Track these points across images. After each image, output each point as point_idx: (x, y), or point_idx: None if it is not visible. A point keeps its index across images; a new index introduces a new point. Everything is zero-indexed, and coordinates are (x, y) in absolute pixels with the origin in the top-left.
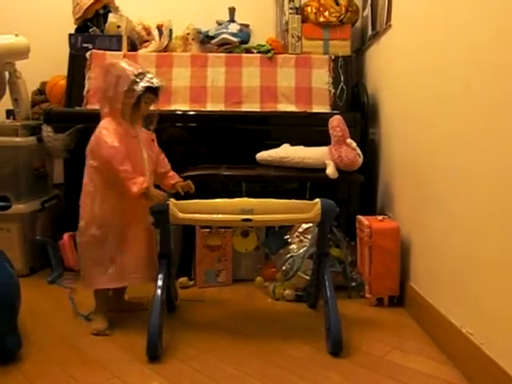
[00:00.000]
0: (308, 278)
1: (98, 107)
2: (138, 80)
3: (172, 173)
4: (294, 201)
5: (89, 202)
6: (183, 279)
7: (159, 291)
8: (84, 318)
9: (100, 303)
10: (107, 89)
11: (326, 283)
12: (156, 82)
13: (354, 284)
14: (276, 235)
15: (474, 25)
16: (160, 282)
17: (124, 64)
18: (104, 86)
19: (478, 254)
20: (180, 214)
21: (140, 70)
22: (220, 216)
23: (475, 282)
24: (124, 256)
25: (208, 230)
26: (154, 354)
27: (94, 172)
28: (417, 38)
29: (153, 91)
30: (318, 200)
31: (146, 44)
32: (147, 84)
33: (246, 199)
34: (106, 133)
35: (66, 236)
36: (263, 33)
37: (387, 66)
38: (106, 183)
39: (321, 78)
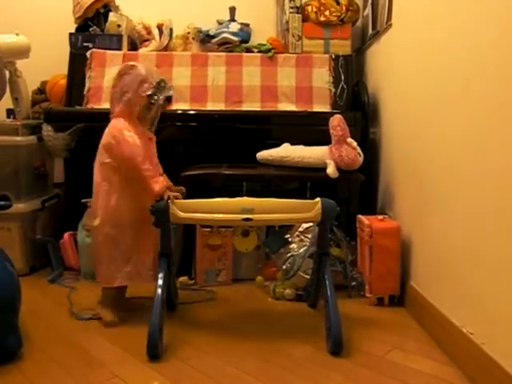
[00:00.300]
0: (308, 277)
1: (97, 106)
2: (160, 88)
3: (164, 176)
4: (294, 200)
5: (103, 200)
6: (183, 278)
7: (160, 290)
8: (86, 319)
9: (106, 297)
10: (125, 90)
11: (327, 283)
12: (171, 89)
13: (354, 283)
14: (276, 234)
15: (474, 24)
16: (160, 281)
17: (145, 69)
18: (120, 86)
19: (479, 254)
20: (181, 213)
21: (161, 78)
22: (220, 215)
23: (476, 282)
24: (140, 253)
25: (209, 229)
26: (155, 353)
27: (110, 170)
28: (417, 38)
29: (169, 99)
30: (318, 199)
31: (147, 43)
32: (169, 94)
33: (246, 198)
34: (127, 132)
35: (66, 235)
36: (264, 32)
37: (388, 66)
38: (123, 182)
39: (321, 77)
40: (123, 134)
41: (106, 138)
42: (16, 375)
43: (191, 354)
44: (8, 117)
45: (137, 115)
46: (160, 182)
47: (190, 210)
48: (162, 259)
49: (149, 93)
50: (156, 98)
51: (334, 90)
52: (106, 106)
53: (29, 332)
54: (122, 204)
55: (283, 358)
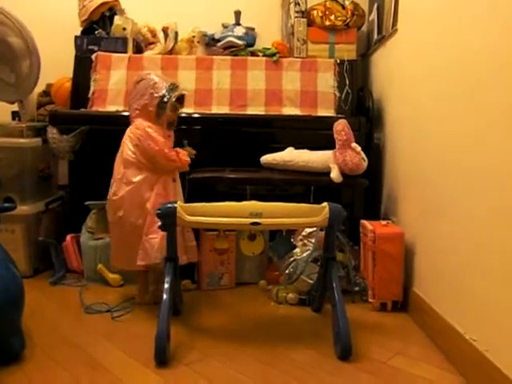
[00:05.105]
0: (311, 281)
1: (102, 109)
2: (171, 89)
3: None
4: (302, 204)
5: (130, 192)
6: (186, 282)
7: (166, 295)
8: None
9: (141, 282)
10: (142, 94)
11: (334, 287)
12: (184, 91)
13: (357, 288)
14: (283, 239)
15: (480, 28)
16: (167, 286)
17: (158, 75)
18: (136, 91)
19: (483, 260)
20: (188, 216)
21: (172, 81)
22: (228, 219)
23: (479, 288)
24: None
25: (215, 233)
26: (162, 359)
27: (134, 165)
28: (423, 43)
29: (180, 100)
30: (325, 204)
31: (152, 46)
32: (181, 93)
33: (254, 202)
34: (150, 129)
35: (68, 237)
36: (269, 36)
37: (393, 71)
38: (151, 173)
39: (326, 81)
40: (148, 131)
41: (131, 136)
42: (19, 377)
43: (194, 358)
44: (13, 119)
45: (153, 115)
46: (182, 153)
47: (198, 213)
48: (169, 264)
49: (161, 94)
50: (168, 97)
51: (338, 94)
52: (110, 108)
53: (32, 334)
54: (146, 196)
55: (286, 362)
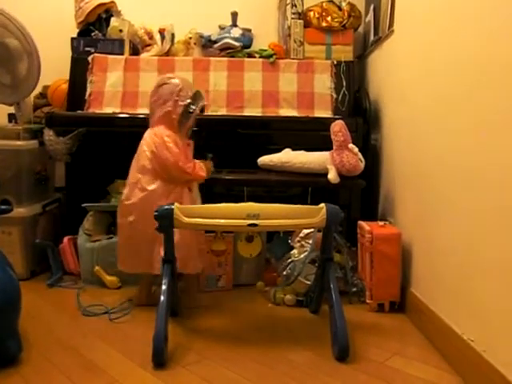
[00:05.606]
0: (309, 283)
1: (98, 111)
2: (196, 98)
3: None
4: (299, 206)
5: (143, 199)
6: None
7: (164, 297)
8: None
9: (144, 284)
10: (166, 99)
11: (332, 288)
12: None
13: (354, 289)
14: (281, 241)
15: (477, 29)
16: (165, 287)
17: (181, 80)
18: (159, 95)
19: (480, 261)
20: (185, 218)
21: (196, 90)
22: (226, 221)
23: (477, 289)
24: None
25: (212, 234)
26: (160, 361)
27: (153, 170)
28: (419, 44)
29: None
30: (323, 205)
31: (148, 48)
32: (204, 103)
33: (251, 204)
34: (168, 139)
35: (66, 239)
36: (265, 37)
37: (390, 72)
38: (166, 182)
39: (323, 83)
40: (165, 141)
41: (149, 144)
42: (16, 380)
43: (192, 360)
44: (10, 121)
45: (176, 123)
46: (200, 167)
47: (195, 215)
48: (166, 265)
49: (187, 102)
50: (194, 107)
51: (335, 95)
52: (107, 110)
53: (29, 336)
54: (157, 203)
55: (284, 363)
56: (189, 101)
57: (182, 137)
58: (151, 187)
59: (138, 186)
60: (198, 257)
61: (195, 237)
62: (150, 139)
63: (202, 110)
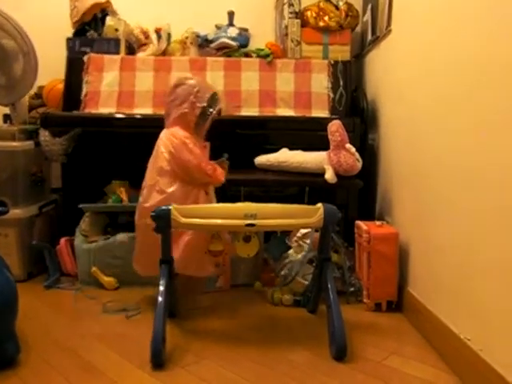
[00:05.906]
0: (306, 282)
1: (94, 111)
2: (213, 100)
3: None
4: (296, 205)
5: (161, 202)
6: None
7: (162, 297)
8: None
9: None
10: (183, 100)
11: (329, 288)
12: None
13: (352, 289)
14: (278, 241)
15: (475, 28)
16: (162, 288)
17: (198, 81)
18: (175, 96)
19: (477, 260)
20: (182, 218)
21: (213, 92)
22: (223, 221)
23: (474, 288)
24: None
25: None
26: (159, 361)
27: (172, 172)
28: (417, 43)
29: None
30: (320, 205)
31: (144, 47)
32: (221, 105)
33: (249, 204)
34: (188, 140)
35: (62, 241)
36: (262, 37)
37: (387, 71)
38: (184, 183)
39: (320, 82)
40: (186, 142)
41: (166, 145)
42: (14, 382)
43: (190, 360)
44: (5, 122)
45: (192, 125)
46: (219, 171)
47: (192, 215)
48: (163, 266)
49: (204, 104)
50: (211, 110)
51: (332, 95)
52: (103, 110)
53: (26, 338)
54: (181, 203)
55: (282, 363)
56: (205, 104)
57: (197, 138)
58: (170, 189)
59: (156, 189)
60: (209, 260)
61: (203, 240)
62: (168, 140)
63: (219, 112)
